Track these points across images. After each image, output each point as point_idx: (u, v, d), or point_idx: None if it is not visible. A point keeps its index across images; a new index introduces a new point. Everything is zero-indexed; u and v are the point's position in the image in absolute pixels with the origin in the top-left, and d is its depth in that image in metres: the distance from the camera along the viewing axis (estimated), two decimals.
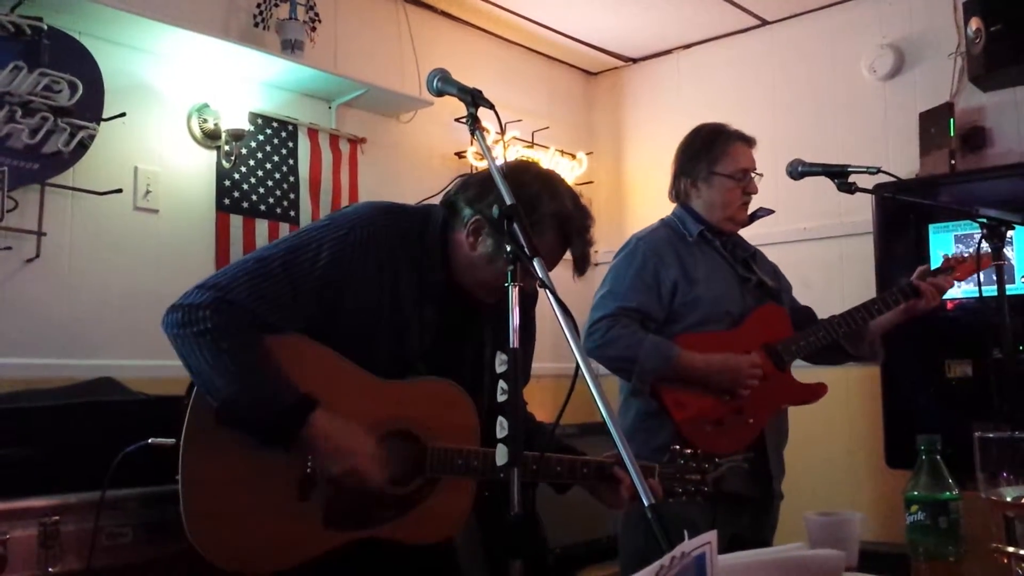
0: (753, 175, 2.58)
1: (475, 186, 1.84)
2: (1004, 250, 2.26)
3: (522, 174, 1.81)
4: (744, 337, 2.48)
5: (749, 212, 2.61)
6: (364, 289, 1.77)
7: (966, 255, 2.56)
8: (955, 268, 2.57)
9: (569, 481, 1.95)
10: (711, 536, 0.97)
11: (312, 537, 1.72)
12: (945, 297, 2.60)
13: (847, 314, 2.52)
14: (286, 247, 1.77)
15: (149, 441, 1.81)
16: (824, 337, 2.50)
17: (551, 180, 1.86)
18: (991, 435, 1.26)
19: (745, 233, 2.71)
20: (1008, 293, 2.22)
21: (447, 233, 1.86)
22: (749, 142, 2.62)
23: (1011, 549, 1.18)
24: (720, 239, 2.61)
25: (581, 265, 1.85)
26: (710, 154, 2.57)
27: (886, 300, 2.54)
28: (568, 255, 1.86)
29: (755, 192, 2.59)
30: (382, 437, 1.77)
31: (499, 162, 1.49)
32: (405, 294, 1.82)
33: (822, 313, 2.68)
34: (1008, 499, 1.19)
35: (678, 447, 2.06)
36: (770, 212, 2.62)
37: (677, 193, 2.66)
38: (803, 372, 2.58)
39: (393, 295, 1.80)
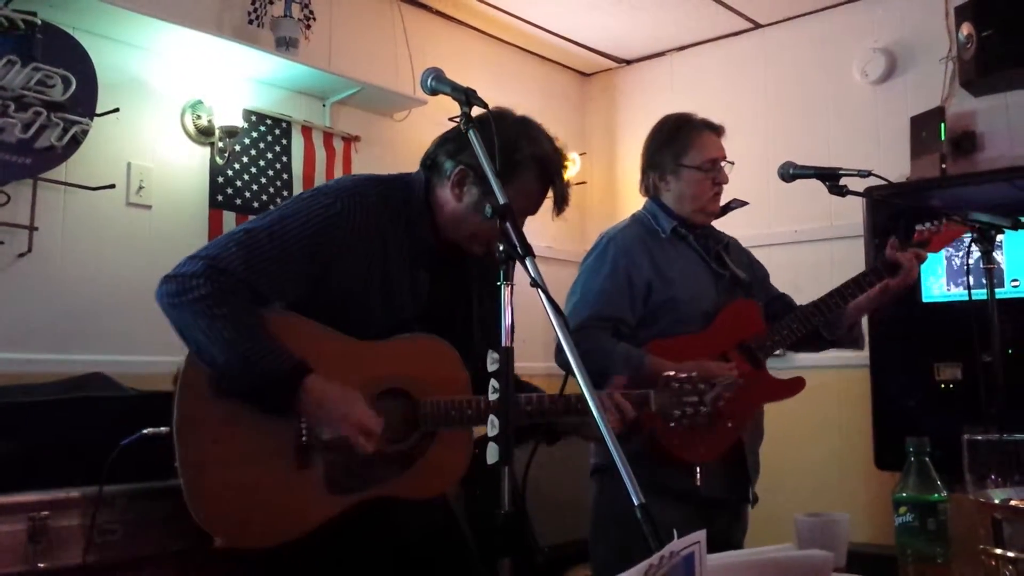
0: (724, 164, 2.48)
1: (454, 140, 1.90)
2: (993, 254, 2.27)
3: (500, 120, 1.82)
4: (716, 337, 2.39)
5: (722, 203, 2.52)
6: (353, 256, 1.81)
7: (938, 226, 2.47)
8: (929, 240, 2.48)
9: (564, 416, 1.93)
10: (700, 536, 0.98)
11: (318, 503, 1.74)
12: (937, 299, 2.58)
13: (820, 301, 2.45)
14: (274, 218, 1.81)
15: (144, 431, 1.82)
16: (798, 329, 2.44)
17: (529, 124, 1.94)
18: (980, 437, 1.27)
19: (738, 235, 2.68)
20: (998, 296, 2.24)
21: (430, 194, 1.92)
22: (717, 130, 2.52)
23: (999, 551, 1.18)
24: (693, 233, 2.51)
25: (560, 204, 1.91)
26: (676, 146, 2.48)
27: (860, 283, 2.46)
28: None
29: (725, 182, 2.49)
30: (375, 397, 1.80)
31: (491, 151, 1.51)
32: (395, 258, 1.86)
33: None
34: (996, 501, 1.20)
35: (671, 373, 2.04)
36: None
37: (647, 187, 2.59)
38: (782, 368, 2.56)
39: (383, 260, 1.85)
